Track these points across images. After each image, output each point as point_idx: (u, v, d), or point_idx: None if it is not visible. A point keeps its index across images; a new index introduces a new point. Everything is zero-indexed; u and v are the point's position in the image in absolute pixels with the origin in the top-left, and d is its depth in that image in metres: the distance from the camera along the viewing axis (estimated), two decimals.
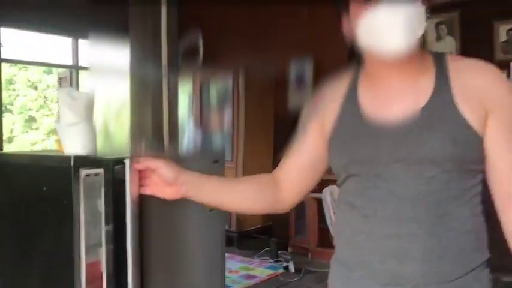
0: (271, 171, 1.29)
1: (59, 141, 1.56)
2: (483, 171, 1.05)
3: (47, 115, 11.54)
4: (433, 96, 1.03)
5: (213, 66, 5.36)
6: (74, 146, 1.47)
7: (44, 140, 11.39)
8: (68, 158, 1.25)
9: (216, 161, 1.60)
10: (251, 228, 4.94)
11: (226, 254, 2.04)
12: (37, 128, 11.68)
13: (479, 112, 1.00)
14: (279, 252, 4.52)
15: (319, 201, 4.22)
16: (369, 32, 1.00)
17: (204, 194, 1.25)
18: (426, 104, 1.03)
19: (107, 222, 1.26)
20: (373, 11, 0.98)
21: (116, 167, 1.24)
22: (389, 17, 0.97)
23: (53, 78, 11.02)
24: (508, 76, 3.67)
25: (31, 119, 11.62)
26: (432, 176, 1.00)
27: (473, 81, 1.03)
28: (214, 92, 5.24)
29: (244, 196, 1.27)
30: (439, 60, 1.07)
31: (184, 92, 5.30)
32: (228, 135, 4.96)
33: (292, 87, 4.96)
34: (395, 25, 0.97)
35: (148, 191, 1.26)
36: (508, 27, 3.64)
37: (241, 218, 4.79)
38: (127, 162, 1.24)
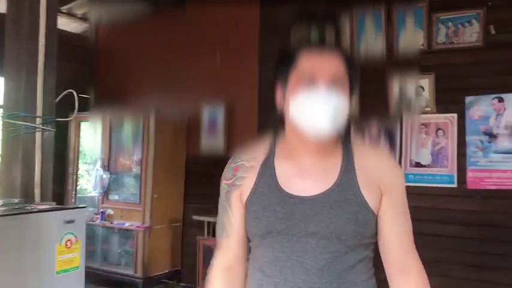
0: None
1: None
2: (375, 243, 1.22)
3: None
4: (340, 177, 1.17)
5: (125, 107, 5.28)
6: None
7: None
8: None
9: (70, 221, 1.51)
10: (158, 274, 4.79)
11: None
12: None
13: (376, 194, 1.17)
14: None
15: None
16: (301, 110, 1.13)
17: None
18: (334, 184, 1.16)
19: None
20: (310, 93, 1.12)
21: None
22: (321, 104, 1.11)
23: None
24: (401, 128, 3.92)
25: None
26: (336, 251, 1.13)
27: (373, 168, 1.19)
28: (125, 132, 5.14)
29: None
30: (346, 143, 1.23)
31: (95, 133, 5.17)
32: (137, 177, 4.86)
33: (205, 131, 4.98)
34: (324, 112, 1.11)
35: None
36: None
37: (147, 263, 4.64)
38: None
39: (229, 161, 1.30)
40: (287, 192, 1.17)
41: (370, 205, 1.16)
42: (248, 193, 1.21)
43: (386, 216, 1.18)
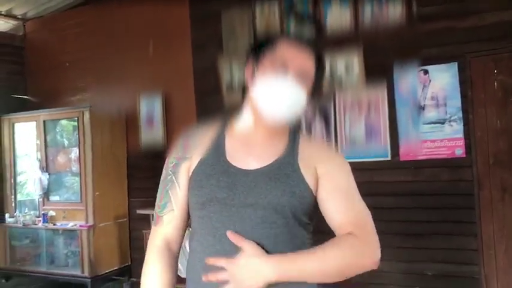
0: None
1: None
2: (313, 226, 1.28)
3: None
4: (282, 155, 1.25)
5: (60, 104, 5.14)
6: None
7: None
8: None
9: None
10: (107, 272, 4.72)
11: None
12: None
13: (313, 176, 1.24)
14: None
15: None
16: (265, 92, 1.21)
17: None
18: (276, 160, 1.24)
19: None
20: (278, 79, 1.20)
21: None
22: (285, 92, 1.19)
23: None
24: (335, 107, 3.96)
25: None
26: (274, 222, 1.18)
27: (314, 155, 1.28)
28: (61, 131, 5.00)
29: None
30: (294, 130, 1.32)
31: (30, 134, 5.01)
32: (77, 175, 4.74)
33: (143, 123, 4.90)
34: (285, 100, 1.20)
35: None
36: None
37: (94, 261, 4.56)
38: None
39: (179, 137, 1.34)
40: (231, 164, 1.23)
41: (308, 182, 1.22)
42: (196, 164, 1.26)
43: (326, 194, 1.23)
